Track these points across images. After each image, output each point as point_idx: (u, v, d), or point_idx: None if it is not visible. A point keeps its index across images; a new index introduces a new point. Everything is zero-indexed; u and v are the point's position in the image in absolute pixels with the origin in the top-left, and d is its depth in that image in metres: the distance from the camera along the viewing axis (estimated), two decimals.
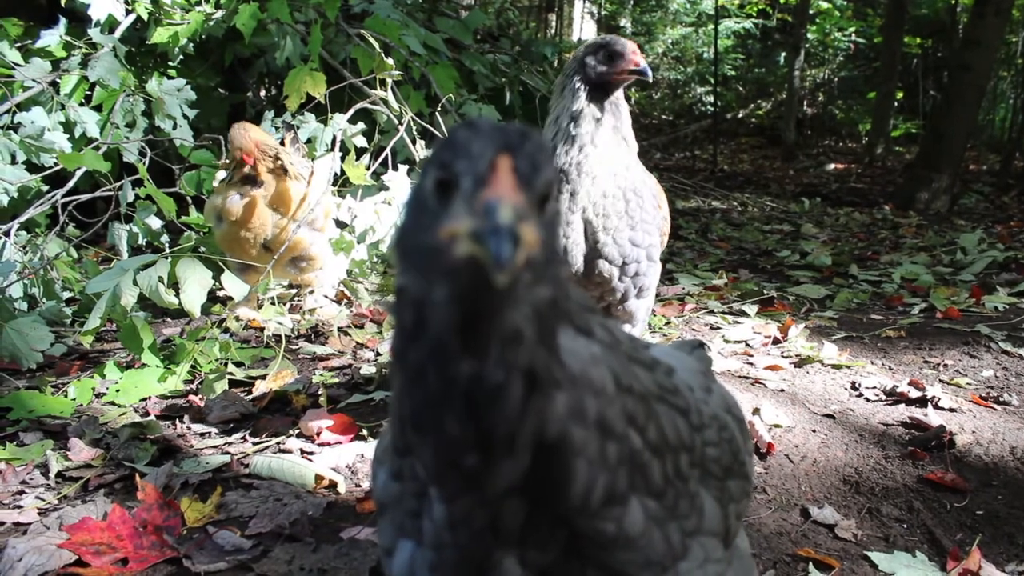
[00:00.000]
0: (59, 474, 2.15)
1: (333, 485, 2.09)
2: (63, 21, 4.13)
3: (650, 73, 2.05)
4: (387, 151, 4.08)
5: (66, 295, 3.45)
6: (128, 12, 4.24)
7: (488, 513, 0.76)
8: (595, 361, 0.78)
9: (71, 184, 3.74)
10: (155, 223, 3.85)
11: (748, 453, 1.07)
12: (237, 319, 3.38)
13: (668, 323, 3.83)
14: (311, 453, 2.29)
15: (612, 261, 2.07)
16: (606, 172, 2.03)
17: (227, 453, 2.28)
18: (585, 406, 0.75)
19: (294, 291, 3.97)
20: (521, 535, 0.78)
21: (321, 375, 2.93)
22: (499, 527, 0.77)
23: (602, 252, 2.06)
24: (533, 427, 0.72)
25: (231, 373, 2.87)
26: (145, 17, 4.25)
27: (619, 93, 2.09)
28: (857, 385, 2.89)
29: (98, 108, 4.04)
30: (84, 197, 3.80)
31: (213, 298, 3.65)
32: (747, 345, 3.43)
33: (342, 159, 3.89)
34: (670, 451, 0.86)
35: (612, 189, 2.04)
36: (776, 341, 3.47)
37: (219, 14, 4.39)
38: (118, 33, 4.17)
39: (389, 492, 0.90)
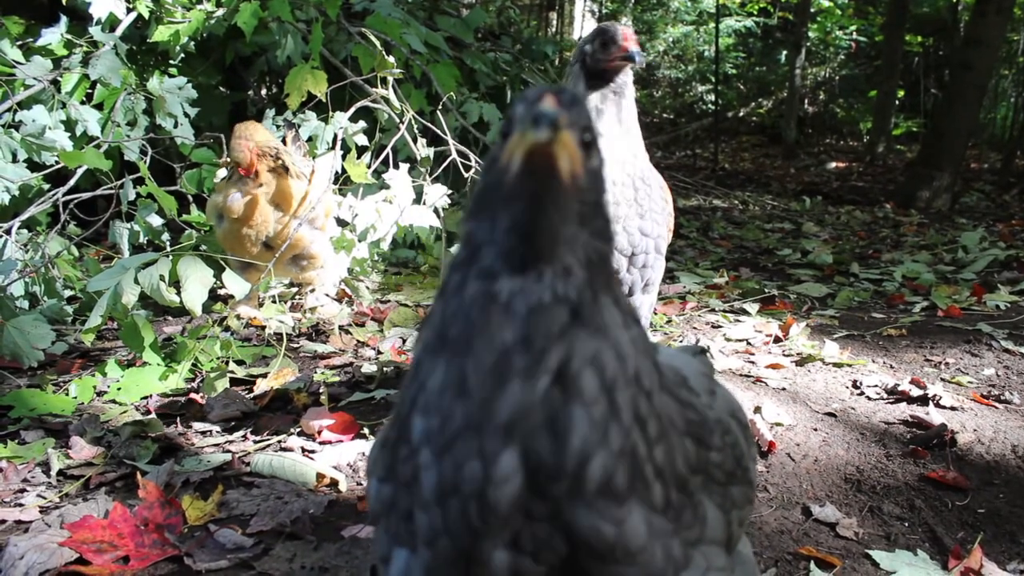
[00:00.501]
0: (60, 472, 2.15)
1: (334, 483, 2.09)
2: (64, 19, 4.13)
3: (639, 58, 2.02)
4: (388, 149, 4.08)
5: (67, 293, 3.45)
6: (129, 10, 4.24)
7: (481, 466, 0.74)
8: (626, 325, 0.80)
9: (72, 182, 3.73)
10: (156, 221, 3.85)
11: (752, 459, 1.05)
12: (238, 317, 3.38)
13: (669, 321, 3.83)
14: (312, 451, 2.29)
15: (622, 251, 2.06)
16: (613, 160, 2.02)
17: (228, 451, 2.28)
18: (604, 361, 0.76)
19: (295, 289, 3.98)
20: (515, 533, 0.76)
21: (322, 373, 2.93)
22: (489, 502, 0.74)
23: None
24: (562, 354, 0.74)
25: (232, 371, 2.87)
26: (146, 15, 4.25)
27: (624, 80, 2.07)
28: (858, 383, 2.89)
29: (99, 106, 4.04)
30: (85, 195, 3.80)
31: (214, 296, 3.66)
32: (748, 343, 3.43)
33: (343, 157, 3.88)
34: (675, 476, 0.85)
35: (621, 177, 2.04)
36: (777, 339, 3.47)
37: (220, 12, 4.39)
38: (119, 31, 4.17)
39: (381, 498, 0.89)
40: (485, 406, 0.74)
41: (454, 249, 0.82)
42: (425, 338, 0.81)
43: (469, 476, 0.74)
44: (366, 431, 2.41)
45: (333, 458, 2.24)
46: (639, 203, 2.06)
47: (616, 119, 2.06)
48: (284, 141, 3.76)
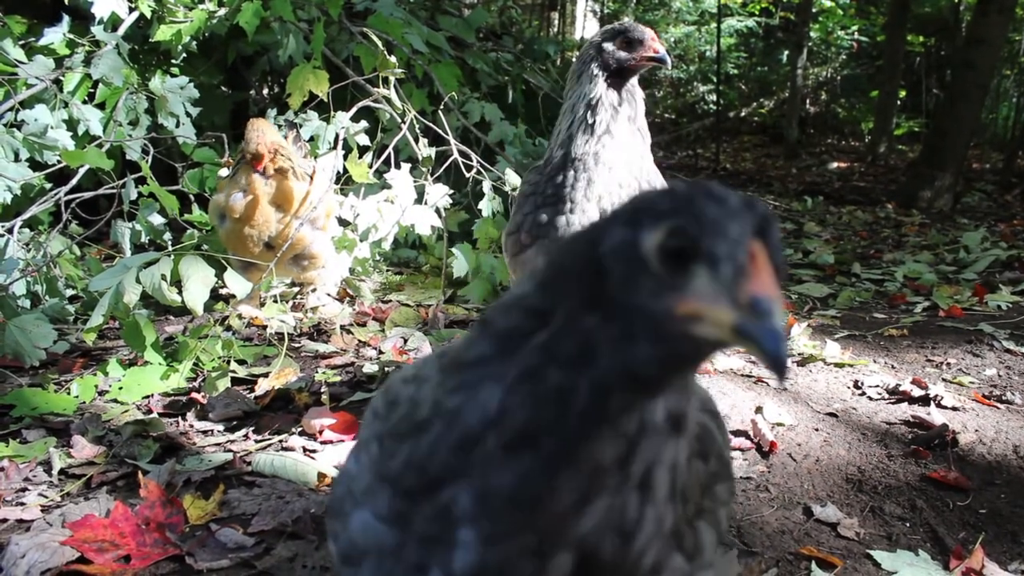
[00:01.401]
0: (62, 471, 2.15)
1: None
2: (66, 19, 4.13)
3: (668, 60, 2.03)
4: (390, 149, 4.08)
5: (69, 293, 3.45)
6: (131, 10, 4.24)
7: (533, 565, 0.69)
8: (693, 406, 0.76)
9: (74, 182, 3.74)
10: (158, 221, 3.86)
11: (726, 446, 1.05)
12: (240, 317, 3.38)
13: None
14: (313, 451, 2.29)
15: None
16: (622, 162, 2.02)
17: (230, 451, 2.28)
18: (679, 459, 0.73)
19: (297, 289, 3.98)
20: None
21: (323, 373, 2.93)
22: None
23: None
24: (647, 463, 0.70)
25: (234, 371, 2.87)
26: (148, 15, 4.25)
27: (634, 81, 2.07)
28: (860, 384, 2.89)
29: (101, 106, 4.04)
30: (87, 195, 3.80)
31: (216, 296, 3.66)
32: None
33: (345, 157, 3.89)
34: (695, 512, 0.84)
35: (628, 179, 2.03)
36: None
37: (222, 12, 4.39)
38: (121, 31, 4.17)
39: (375, 538, 0.77)
40: (564, 520, 0.68)
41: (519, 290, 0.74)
42: (499, 420, 0.70)
43: (520, 570, 0.70)
44: None
45: (334, 458, 2.24)
46: None
47: (630, 119, 2.05)
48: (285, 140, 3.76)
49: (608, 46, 2.01)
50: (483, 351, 0.74)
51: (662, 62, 2.01)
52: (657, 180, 2.14)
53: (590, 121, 2.01)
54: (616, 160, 2.01)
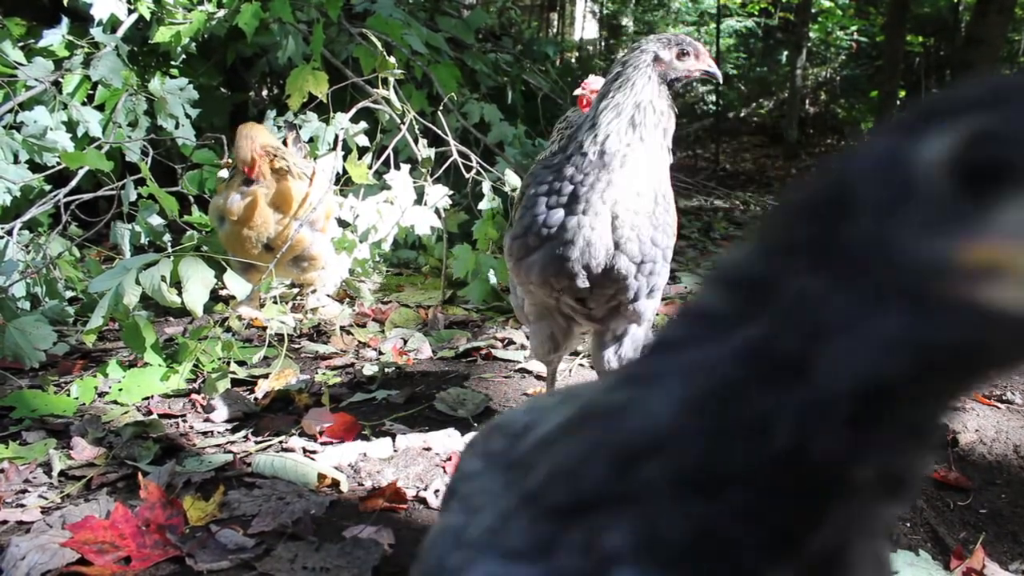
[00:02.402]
0: (62, 473, 2.15)
1: (336, 484, 2.09)
2: (65, 21, 4.13)
3: (720, 75, 2.03)
4: (389, 150, 4.08)
5: (69, 294, 3.45)
6: (130, 11, 4.24)
7: None
8: None
9: (73, 183, 3.74)
10: (157, 222, 3.86)
11: None
12: (239, 318, 3.38)
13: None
14: (313, 452, 2.29)
15: (632, 258, 2.04)
16: (645, 170, 2.00)
17: (230, 452, 2.28)
18: None
19: (296, 290, 3.98)
20: None
21: (323, 374, 2.93)
22: None
23: (624, 248, 2.02)
24: None
25: (234, 372, 2.87)
26: (147, 16, 4.26)
27: (670, 97, 2.06)
28: None
29: (100, 107, 4.04)
30: (86, 196, 3.80)
31: (215, 297, 3.66)
32: None
33: (344, 158, 3.89)
34: None
35: (646, 188, 2.01)
36: None
37: (221, 13, 4.39)
38: (120, 32, 4.17)
39: None
40: None
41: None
42: (665, 444, 0.49)
43: None
44: (367, 432, 2.41)
45: (334, 458, 2.24)
46: (656, 216, 2.04)
47: (665, 133, 2.03)
48: (285, 142, 3.76)
49: (664, 54, 1.99)
50: (671, 336, 0.52)
51: (714, 76, 2.01)
52: (670, 193, 2.12)
53: (636, 122, 1.97)
54: (641, 167, 1.98)
